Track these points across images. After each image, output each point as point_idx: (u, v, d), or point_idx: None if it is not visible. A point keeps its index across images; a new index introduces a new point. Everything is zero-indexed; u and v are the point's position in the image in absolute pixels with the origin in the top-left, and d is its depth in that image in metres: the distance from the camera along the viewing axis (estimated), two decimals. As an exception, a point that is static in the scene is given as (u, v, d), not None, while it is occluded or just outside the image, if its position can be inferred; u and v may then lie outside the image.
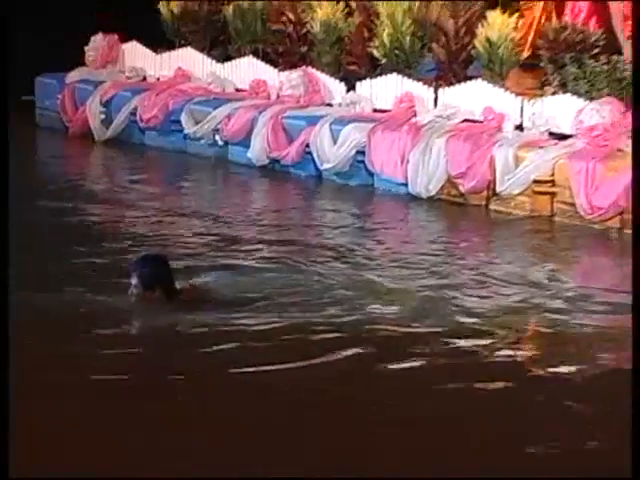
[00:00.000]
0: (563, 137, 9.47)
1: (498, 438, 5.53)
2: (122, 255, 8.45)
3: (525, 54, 11.03)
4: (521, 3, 11.37)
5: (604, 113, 9.17)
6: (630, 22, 10.36)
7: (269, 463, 5.24)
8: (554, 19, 11.01)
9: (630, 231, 8.51)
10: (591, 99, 9.48)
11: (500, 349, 6.77)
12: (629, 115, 9.08)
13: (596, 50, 10.14)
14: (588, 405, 6.08)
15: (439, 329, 7.04)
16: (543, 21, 11.12)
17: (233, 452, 5.38)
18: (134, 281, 7.03)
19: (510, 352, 6.80)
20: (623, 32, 10.50)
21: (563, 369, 6.52)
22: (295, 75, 11.19)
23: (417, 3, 11.12)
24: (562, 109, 9.59)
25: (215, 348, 6.76)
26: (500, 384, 6.24)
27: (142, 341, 7.10)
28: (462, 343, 6.83)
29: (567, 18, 10.93)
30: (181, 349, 6.79)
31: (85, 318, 7.21)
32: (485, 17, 10.64)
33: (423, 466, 5.21)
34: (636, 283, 6.14)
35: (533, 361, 6.76)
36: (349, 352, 6.64)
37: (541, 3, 11.27)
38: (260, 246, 8.84)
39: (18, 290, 7.07)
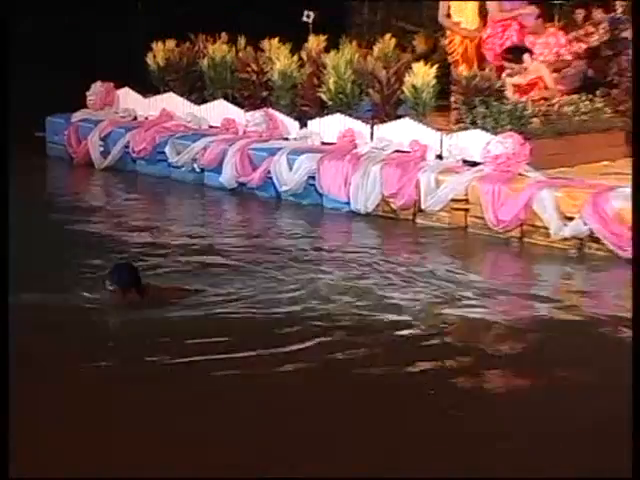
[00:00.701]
0: (474, 164, 9.48)
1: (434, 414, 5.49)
2: (113, 256, 8.39)
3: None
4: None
5: (507, 145, 9.22)
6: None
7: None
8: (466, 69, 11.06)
9: (529, 239, 8.74)
10: (496, 133, 9.49)
11: (426, 336, 6.65)
12: (527, 146, 9.22)
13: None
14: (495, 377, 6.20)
15: (373, 317, 6.97)
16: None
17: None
18: (114, 283, 7.03)
19: (436, 337, 6.64)
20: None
21: (473, 350, 6.50)
22: (258, 115, 11.24)
23: (356, 56, 11.15)
24: (473, 142, 9.62)
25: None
26: (428, 365, 6.17)
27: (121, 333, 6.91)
28: (391, 332, 6.72)
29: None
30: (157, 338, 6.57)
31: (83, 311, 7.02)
32: (411, 68, 10.66)
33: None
34: (636, 282, 5.81)
35: (449, 345, 6.59)
36: (306, 344, 6.40)
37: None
38: (227, 249, 8.80)
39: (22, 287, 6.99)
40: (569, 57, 11.52)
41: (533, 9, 11.43)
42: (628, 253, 7.93)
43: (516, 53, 10.75)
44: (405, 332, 6.76)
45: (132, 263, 7.57)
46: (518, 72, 10.60)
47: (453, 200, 9.28)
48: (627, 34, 10.96)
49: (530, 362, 6.38)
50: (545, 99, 10.36)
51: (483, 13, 11.33)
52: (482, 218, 9.05)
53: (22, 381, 5.36)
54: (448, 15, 11.41)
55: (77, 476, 4.69)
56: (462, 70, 11.12)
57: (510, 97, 10.17)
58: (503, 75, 10.75)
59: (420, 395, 5.76)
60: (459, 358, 6.34)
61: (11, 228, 8.96)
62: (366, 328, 6.81)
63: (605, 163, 9.71)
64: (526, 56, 10.70)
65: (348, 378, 5.95)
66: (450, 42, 11.51)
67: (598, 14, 11.89)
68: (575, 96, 10.43)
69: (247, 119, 11.36)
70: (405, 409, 5.53)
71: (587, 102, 10.17)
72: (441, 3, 11.46)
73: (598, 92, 10.35)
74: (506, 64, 10.76)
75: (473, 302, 7.45)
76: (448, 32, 11.54)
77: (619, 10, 11.73)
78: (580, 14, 12.35)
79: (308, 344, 6.43)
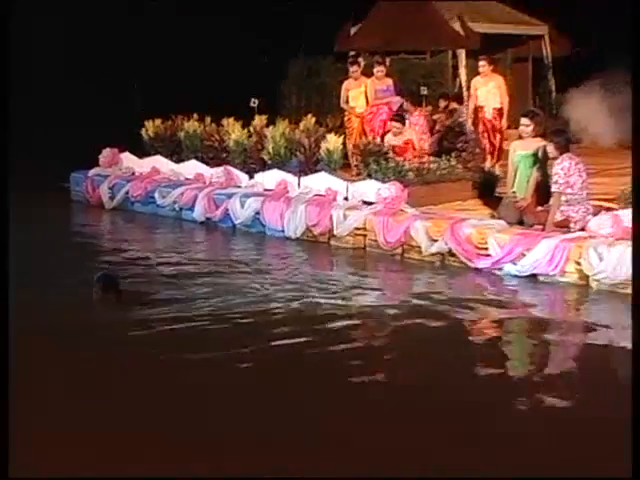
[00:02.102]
0: (370, 203, 9.50)
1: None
2: (110, 265, 8.41)
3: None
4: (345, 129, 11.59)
5: (392, 190, 9.30)
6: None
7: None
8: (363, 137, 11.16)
9: (408, 255, 8.72)
10: (384, 182, 9.57)
11: (333, 327, 6.57)
12: (405, 191, 9.30)
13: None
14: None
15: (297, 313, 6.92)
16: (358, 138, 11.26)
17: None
18: (98, 287, 6.97)
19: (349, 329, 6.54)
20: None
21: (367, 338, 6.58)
22: (219, 170, 11.18)
23: (287, 129, 11.19)
24: (369, 188, 9.67)
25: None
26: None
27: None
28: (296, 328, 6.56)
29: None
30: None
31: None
32: (325, 137, 10.78)
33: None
34: (636, 283, 5.45)
35: (354, 335, 6.47)
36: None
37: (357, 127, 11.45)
38: (195, 263, 8.77)
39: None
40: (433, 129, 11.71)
41: (399, 99, 11.65)
42: (475, 264, 8.12)
43: (400, 119, 10.89)
44: (329, 313, 6.79)
45: (112, 273, 7.40)
46: (399, 133, 10.67)
47: (356, 228, 9.28)
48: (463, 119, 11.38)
49: (399, 337, 6.50)
50: (416, 157, 10.45)
51: (369, 100, 11.46)
52: (376, 241, 9.04)
53: (22, 381, 4.80)
54: (347, 102, 11.51)
55: (77, 476, 4.06)
56: (357, 139, 11.18)
57: (393, 157, 10.22)
58: (386, 138, 10.83)
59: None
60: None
61: (42, 244, 9.09)
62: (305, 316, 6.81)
63: (458, 202, 9.78)
64: (402, 125, 10.87)
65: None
66: (349, 120, 11.59)
67: (454, 104, 12.11)
68: (437, 157, 10.56)
69: (212, 173, 11.29)
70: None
71: (445, 161, 10.28)
72: (342, 93, 11.51)
73: (453, 154, 10.48)
74: (393, 123, 10.81)
75: (368, 296, 7.54)
76: (347, 113, 11.58)
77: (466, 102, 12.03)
78: (442, 103, 12.59)
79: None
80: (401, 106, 11.60)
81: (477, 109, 11.34)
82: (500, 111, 11.25)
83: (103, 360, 5.74)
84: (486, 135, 11.21)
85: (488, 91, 11.24)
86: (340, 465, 4.27)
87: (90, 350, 5.93)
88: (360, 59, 12.07)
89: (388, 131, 10.94)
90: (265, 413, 4.87)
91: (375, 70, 11.43)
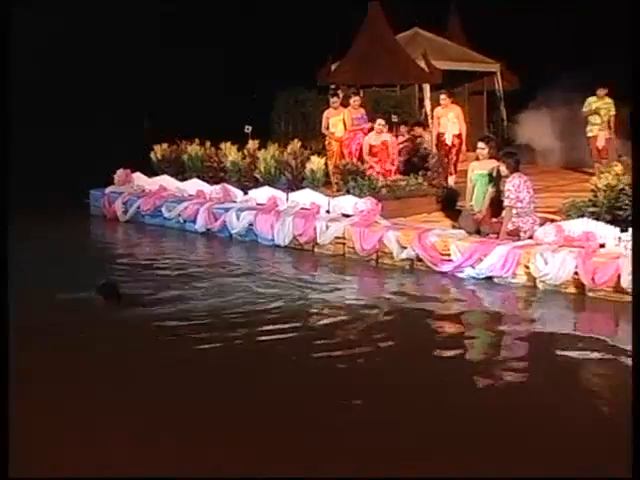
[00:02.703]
0: (348, 216, 9.50)
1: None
2: (123, 267, 8.49)
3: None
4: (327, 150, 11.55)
5: (367, 204, 9.32)
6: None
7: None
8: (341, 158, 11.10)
9: (381, 260, 8.68)
10: (360, 197, 9.57)
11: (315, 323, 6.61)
12: (379, 205, 9.31)
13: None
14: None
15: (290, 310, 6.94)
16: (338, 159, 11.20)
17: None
18: (100, 294, 6.93)
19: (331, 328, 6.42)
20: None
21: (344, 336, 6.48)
22: (218, 188, 11.16)
23: (277, 152, 11.17)
24: (347, 202, 9.68)
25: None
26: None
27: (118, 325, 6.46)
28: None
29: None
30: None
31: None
32: (310, 159, 10.78)
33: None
34: (636, 285, 5.32)
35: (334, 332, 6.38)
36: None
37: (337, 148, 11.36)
38: (197, 266, 8.75)
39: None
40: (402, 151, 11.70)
41: (370, 124, 11.52)
42: (439, 268, 8.13)
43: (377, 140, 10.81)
44: (316, 310, 6.82)
45: (112, 281, 7.31)
46: (380, 132, 10.63)
47: (336, 237, 9.26)
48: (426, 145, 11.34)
49: (375, 328, 6.47)
50: (390, 172, 10.44)
51: (347, 126, 11.42)
52: (353, 248, 9.02)
53: (22, 382, 4.47)
54: (327, 127, 11.44)
55: (77, 476, 3.77)
56: (337, 160, 11.09)
57: (368, 175, 10.19)
58: (366, 138, 10.77)
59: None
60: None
61: (67, 249, 9.23)
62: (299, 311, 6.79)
63: (424, 215, 9.79)
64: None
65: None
66: (329, 143, 11.50)
67: (419, 130, 12.09)
68: (406, 176, 10.57)
69: (211, 190, 11.25)
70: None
71: (413, 179, 10.31)
72: (323, 121, 11.44)
73: (420, 173, 10.48)
74: (379, 120, 10.77)
75: (347, 294, 7.56)
76: (327, 138, 11.53)
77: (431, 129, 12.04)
78: (409, 129, 12.55)
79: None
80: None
81: (439, 135, 11.39)
82: (459, 137, 11.32)
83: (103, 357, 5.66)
84: (446, 156, 11.26)
85: (448, 120, 11.30)
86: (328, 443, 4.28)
87: (93, 345, 5.89)
88: (339, 92, 12.05)
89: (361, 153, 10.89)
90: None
91: (352, 100, 11.43)
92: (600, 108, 12.07)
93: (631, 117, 4.60)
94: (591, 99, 12.15)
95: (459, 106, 11.69)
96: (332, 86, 13.34)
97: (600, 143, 12.11)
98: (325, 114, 11.51)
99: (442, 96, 11.40)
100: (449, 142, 11.29)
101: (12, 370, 3.86)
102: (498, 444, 4.23)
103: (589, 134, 12.24)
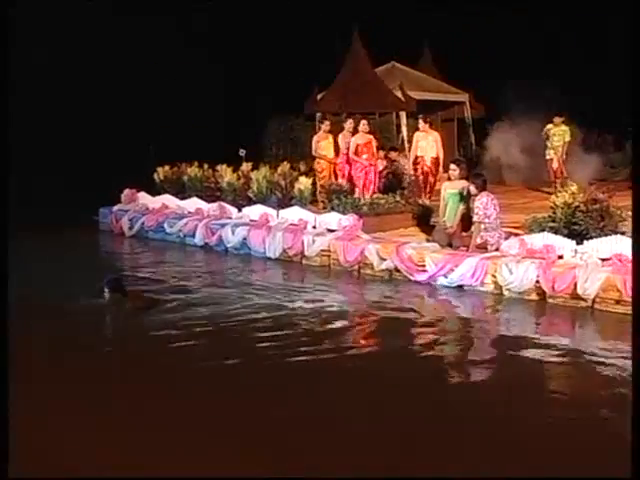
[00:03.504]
0: (333, 231, 9.50)
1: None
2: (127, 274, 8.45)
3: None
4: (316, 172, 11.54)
5: (350, 220, 9.37)
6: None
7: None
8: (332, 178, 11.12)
9: (363, 271, 8.63)
10: (344, 214, 9.61)
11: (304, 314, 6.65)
12: (361, 221, 9.33)
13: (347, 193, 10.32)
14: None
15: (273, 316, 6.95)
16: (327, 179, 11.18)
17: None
18: (106, 288, 6.89)
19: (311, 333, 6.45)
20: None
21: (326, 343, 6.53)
22: (215, 206, 11.16)
23: (268, 173, 11.17)
24: (332, 219, 9.68)
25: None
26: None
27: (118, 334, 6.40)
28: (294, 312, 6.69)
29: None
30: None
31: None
32: (298, 179, 10.79)
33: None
34: (636, 286, 5.39)
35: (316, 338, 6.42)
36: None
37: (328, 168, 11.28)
38: (194, 277, 8.68)
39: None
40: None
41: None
42: (415, 277, 8.13)
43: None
44: (299, 312, 6.72)
45: (119, 276, 7.40)
46: (366, 132, 10.63)
47: (322, 250, 9.25)
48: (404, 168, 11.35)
49: (357, 331, 6.56)
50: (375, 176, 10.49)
51: (336, 149, 11.39)
52: (338, 260, 9.01)
53: (22, 382, 4.23)
54: (316, 149, 11.38)
55: (77, 476, 3.53)
56: (328, 179, 11.12)
57: (351, 194, 10.25)
58: (353, 138, 10.67)
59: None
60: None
61: (77, 260, 9.18)
62: (287, 317, 6.77)
63: (401, 230, 9.78)
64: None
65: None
66: (319, 164, 11.46)
67: (394, 155, 12.13)
68: (385, 194, 10.59)
69: (209, 208, 11.24)
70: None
71: (392, 197, 10.36)
72: (313, 143, 11.36)
73: (398, 192, 10.53)
74: (363, 122, 10.76)
75: (332, 301, 7.52)
76: (317, 160, 11.48)
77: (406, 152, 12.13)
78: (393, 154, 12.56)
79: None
80: None
81: (417, 158, 11.39)
82: (436, 160, 11.37)
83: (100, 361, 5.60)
84: (424, 178, 11.28)
85: (427, 143, 11.30)
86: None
87: (91, 348, 5.84)
88: (326, 119, 12.07)
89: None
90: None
91: (347, 125, 11.23)
92: (555, 134, 12.40)
93: (632, 118, 4.38)
94: (548, 126, 12.57)
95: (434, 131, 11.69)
96: (318, 114, 13.44)
97: (554, 165, 12.47)
98: (315, 138, 11.46)
99: (420, 122, 11.46)
100: (428, 164, 11.30)
101: (12, 370, 3.60)
102: (466, 435, 4.30)
103: (547, 157, 12.65)
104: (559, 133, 12.45)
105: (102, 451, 3.85)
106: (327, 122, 11.52)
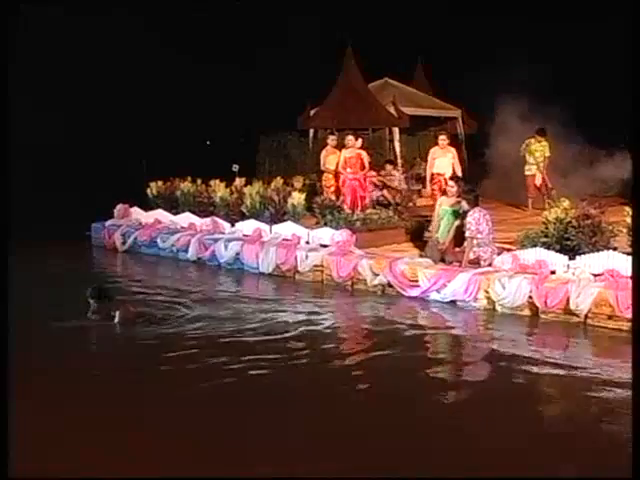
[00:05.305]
0: (326, 246, 9.52)
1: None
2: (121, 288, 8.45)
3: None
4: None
5: (343, 235, 9.39)
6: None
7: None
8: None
9: (356, 286, 8.68)
10: (337, 229, 9.61)
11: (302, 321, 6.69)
12: (354, 236, 9.36)
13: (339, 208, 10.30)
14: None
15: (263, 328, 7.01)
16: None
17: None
18: (91, 299, 6.90)
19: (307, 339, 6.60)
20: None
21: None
22: (208, 220, 11.16)
23: (261, 188, 11.16)
24: (325, 234, 9.70)
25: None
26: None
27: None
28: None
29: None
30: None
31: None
32: (291, 195, 10.79)
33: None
34: (636, 287, 5.10)
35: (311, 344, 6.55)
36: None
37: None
38: (187, 292, 8.66)
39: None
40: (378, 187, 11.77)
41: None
42: (408, 293, 8.16)
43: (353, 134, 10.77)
44: (293, 327, 6.74)
45: (103, 285, 7.43)
46: (351, 146, 10.61)
47: (315, 265, 9.27)
48: (397, 183, 11.32)
49: (350, 344, 6.64)
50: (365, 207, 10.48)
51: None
52: (331, 275, 9.03)
53: (22, 382, 4.33)
54: (324, 164, 11.25)
55: (77, 476, 3.55)
56: (332, 194, 10.96)
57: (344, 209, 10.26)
58: (343, 152, 10.65)
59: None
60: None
61: (70, 275, 9.17)
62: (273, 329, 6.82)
63: (394, 245, 9.80)
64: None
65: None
66: (326, 178, 11.28)
67: (390, 168, 12.16)
68: (378, 209, 10.63)
69: (202, 223, 11.24)
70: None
71: (384, 212, 10.38)
72: (321, 158, 11.27)
73: (391, 207, 10.56)
74: (349, 137, 10.73)
75: (325, 316, 7.54)
76: (325, 174, 11.31)
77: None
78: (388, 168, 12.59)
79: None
80: None
81: (434, 175, 10.34)
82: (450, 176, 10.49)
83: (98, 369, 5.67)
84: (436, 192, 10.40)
85: (446, 159, 10.27)
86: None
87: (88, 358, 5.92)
88: (337, 133, 11.80)
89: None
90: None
91: (330, 141, 11.24)
92: (537, 150, 12.34)
93: (632, 119, 4.34)
94: (528, 141, 12.40)
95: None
96: (311, 130, 13.50)
97: (538, 181, 12.42)
98: (323, 152, 11.33)
99: (442, 137, 10.44)
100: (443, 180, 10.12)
101: (12, 370, 3.66)
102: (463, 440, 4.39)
103: (527, 172, 12.47)
104: (539, 149, 12.34)
105: (102, 451, 3.91)
106: (333, 137, 11.42)
